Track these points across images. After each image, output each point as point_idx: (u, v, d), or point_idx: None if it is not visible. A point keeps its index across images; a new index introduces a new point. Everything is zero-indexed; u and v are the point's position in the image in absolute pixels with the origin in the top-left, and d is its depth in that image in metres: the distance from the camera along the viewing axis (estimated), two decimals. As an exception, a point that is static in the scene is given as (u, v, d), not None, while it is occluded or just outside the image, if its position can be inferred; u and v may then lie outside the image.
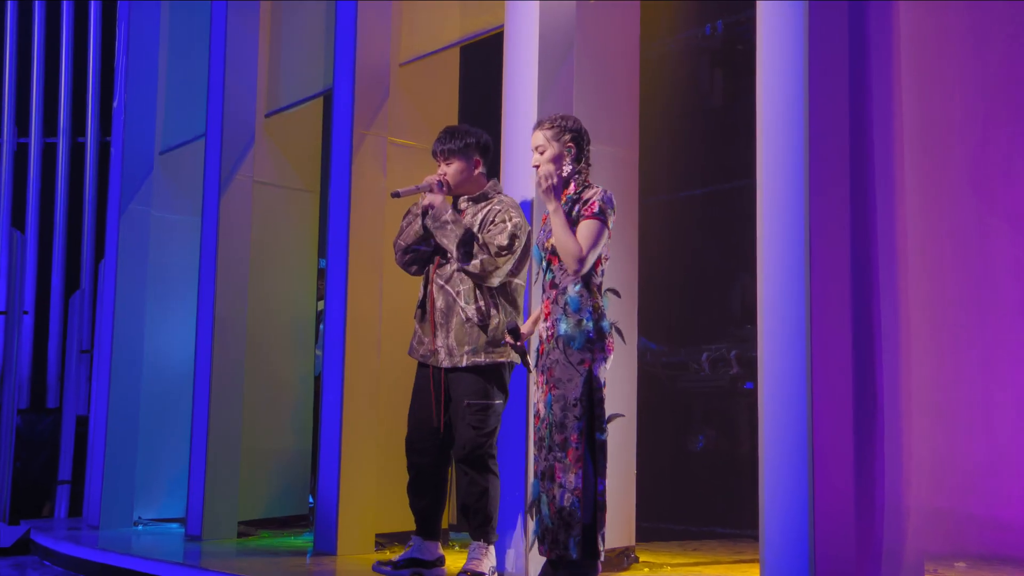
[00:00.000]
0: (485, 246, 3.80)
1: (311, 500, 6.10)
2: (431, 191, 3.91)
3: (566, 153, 3.47)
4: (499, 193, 4.02)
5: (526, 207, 4.09)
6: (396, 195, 3.91)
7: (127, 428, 6.50)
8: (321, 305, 6.13)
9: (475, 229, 3.88)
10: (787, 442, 3.25)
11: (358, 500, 4.86)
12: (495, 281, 3.85)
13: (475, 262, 3.80)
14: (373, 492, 4.92)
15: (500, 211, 3.90)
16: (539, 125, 3.53)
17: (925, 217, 3.38)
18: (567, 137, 3.48)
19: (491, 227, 3.86)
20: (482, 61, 5.62)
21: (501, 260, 3.80)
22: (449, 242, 3.84)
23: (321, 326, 6.04)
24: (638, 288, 4.39)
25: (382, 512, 4.98)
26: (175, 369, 6.49)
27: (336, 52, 5.18)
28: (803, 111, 3.32)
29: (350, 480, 4.84)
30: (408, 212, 4.03)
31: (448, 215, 3.86)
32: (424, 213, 3.92)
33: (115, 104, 7.10)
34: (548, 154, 3.47)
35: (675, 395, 5.81)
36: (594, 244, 3.35)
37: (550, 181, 3.36)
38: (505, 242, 3.80)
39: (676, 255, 5.84)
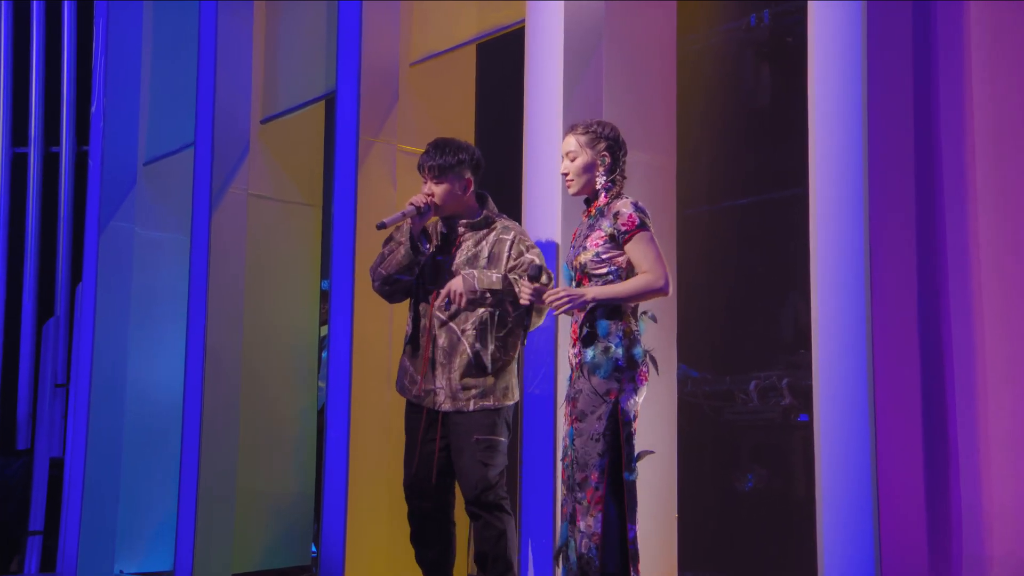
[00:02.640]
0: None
1: (314, 550, 6.12)
2: (419, 214, 3.89)
3: (599, 163, 3.50)
4: (499, 217, 4.03)
5: (552, 219, 4.13)
6: (382, 226, 3.88)
7: (107, 471, 6.54)
8: (324, 331, 6.16)
9: (482, 260, 3.90)
10: (848, 482, 3.25)
11: (367, 550, 4.87)
12: (543, 319, 3.96)
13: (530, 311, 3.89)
14: (384, 541, 4.93)
15: (511, 242, 3.92)
16: (572, 129, 3.56)
17: (1000, 229, 3.38)
18: (602, 145, 3.50)
19: (514, 263, 3.89)
20: (501, 60, 5.66)
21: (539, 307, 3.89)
22: (508, 306, 3.87)
23: (324, 354, 6.07)
24: (677, 310, 4.40)
25: (393, 563, 5.00)
26: (162, 404, 6.53)
27: (339, 51, 5.24)
28: (861, 110, 3.34)
29: (357, 528, 4.86)
30: (390, 239, 4.01)
31: (482, 287, 3.80)
32: (410, 240, 3.89)
33: (93, 109, 7.18)
34: (579, 162, 3.50)
35: (720, 429, 5.80)
36: (657, 255, 3.38)
37: (571, 304, 3.37)
38: (545, 280, 3.84)
39: (719, 273, 5.84)
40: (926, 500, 3.14)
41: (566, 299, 3.36)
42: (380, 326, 5.03)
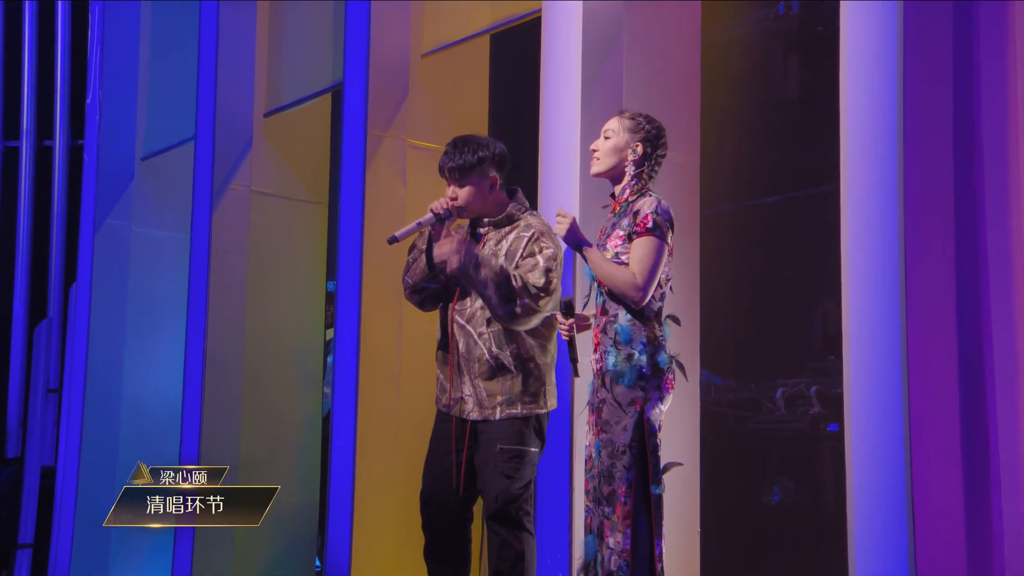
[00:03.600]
0: (524, 287, 3.75)
1: (318, 564, 6.13)
2: (439, 221, 3.83)
3: (631, 151, 3.52)
4: (525, 212, 3.95)
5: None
6: (394, 240, 3.80)
7: (102, 480, 6.56)
8: (330, 334, 6.18)
9: (500, 258, 3.85)
10: (881, 496, 3.24)
11: (374, 565, 4.88)
12: (532, 324, 3.83)
13: (515, 309, 3.74)
14: (391, 555, 4.94)
15: (528, 240, 3.84)
16: (620, 113, 3.61)
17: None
18: (640, 135, 3.53)
19: (521, 262, 3.82)
20: (516, 52, 5.67)
21: (541, 303, 3.76)
22: (487, 291, 3.76)
23: (330, 359, 6.09)
24: (700, 314, 4.40)
25: (401, 578, 5.02)
26: (159, 411, 6.55)
27: (347, 41, 5.25)
28: (896, 103, 3.34)
29: (364, 540, 4.86)
30: (413, 247, 3.95)
31: (472, 265, 3.76)
32: (428, 249, 3.85)
33: (88, 101, 7.21)
34: (612, 142, 3.53)
35: (745, 439, 5.79)
36: (653, 266, 3.36)
37: (563, 225, 3.41)
38: (541, 282, 3.73)
39: (744, 274, 5.84)
40: (965, 516, 3.13)
41: (566, 222, 3.41)
42: (389, 329, 5.03)
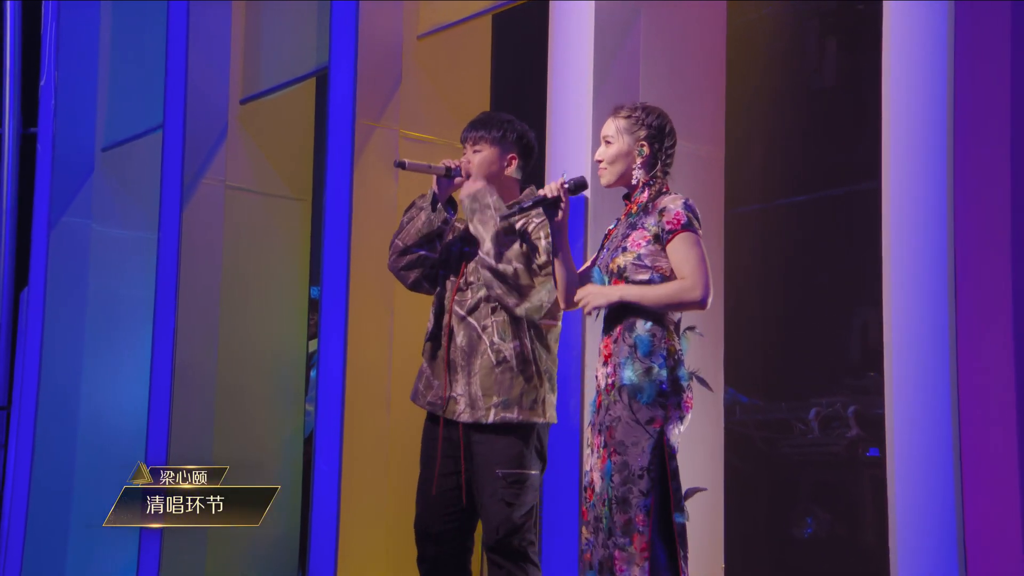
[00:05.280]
0: (525, 258, 3.81)
1: (298, 601, 6.14)
2: (448, 175, 3.94)
3: (636, 153, 3.51)
4: None
5: (579, 214, 4.14)
6: (401, 165, 3.96)
7: (56, 507, 6.56)
8: (313, 346, 6.18)
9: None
10: (928, 529, 3.24)
11: (361, 601, 4.89)
12: (525, 307, 3.84)
13: (506, 267, 3.81)
14: (380, 590, 4.95)
15: (537, 224, 3.93)
16: (614, 112, 3.58)
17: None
18: (642, 134, 3.51)
19: (527, 245, 3.88)
20: (521, 33, 5.68)
21: (539, 280, 3.81)
22: (485, 230, 3.83)
23: (313, 373, 6.09)
24: (724, 324, 4.41)
25: (392, 617, 5.02)
26: (121, 431, 6.55)
27: (333, 20, 5.26)
28: (946, 91, 3.34)
29: (350, 573, 4.86)
30: (412, 205, 4.05)
31: (492, 199, 3.88)
32: (434, 203, 3.93)
33: (42, 83, 7.20)
34: (613, 149, 3.51)
35: (774, 464, 5.80)
36: (701, 260, 3.38)
37: (594, 304, 3.42)
38: (543, 259, 3.83)
39: (774, 281, 5.85)
40: None
41: (591, 297, 3.39)
42: (378, 341, 5.04)
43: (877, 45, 3.57)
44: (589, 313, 3.46)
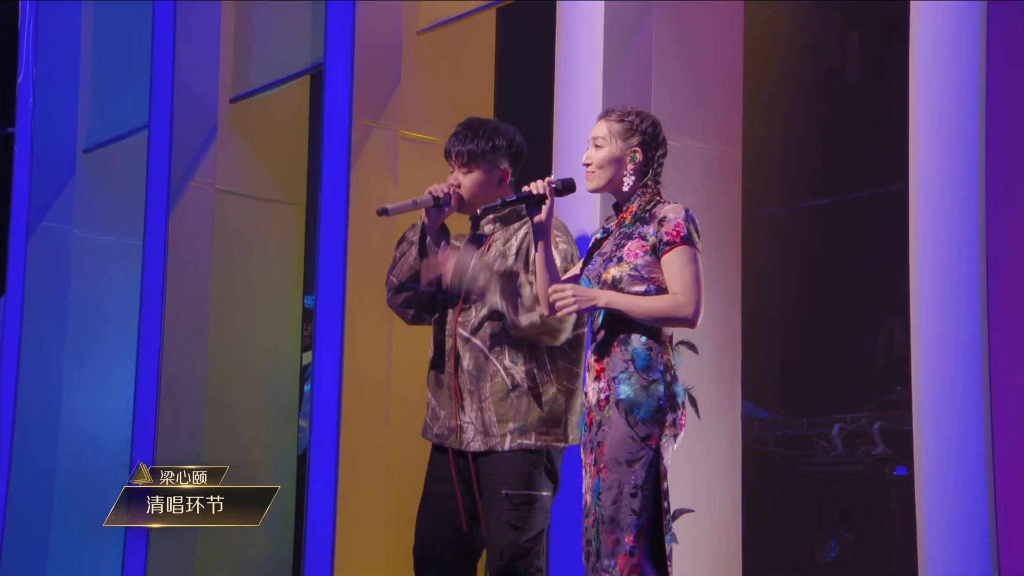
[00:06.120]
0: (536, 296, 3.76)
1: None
2: (437, 206, 3.86)
3: (628, 159, 3.52)
4: None
5: (588, 215, 4.13)
6: (383, 212, 3.87)
7: (34, 527, 6.56)
8: (308, 358, 6.18)
9: (510, 259, 3.86)
10: (959, 553, 3.24)
11: (357, 629, 4.89)
12: (561, 339, 3.83)
13: (532, 317, 3.75)
14: (378, 618, 4.95)
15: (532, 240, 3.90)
16: (606, 114, 3.58)
17: None
18: (635, 140, 3.52)
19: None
20: (526, 28, 5.69)
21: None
22: (500, 297, 3.79)
23: (307, 387, 6.09)
24: (742, 334, 4.40)
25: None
26: (105, 446, 6.55)
27: (328, 15, 5.26)
28: (978, 88, 3.34)
29: (346, 601, 4.87)
30: (403, 239, 4.00)
31: (475, 268, 3.78)
32: (421, 240, 3.89)
33: (20, 80, 7.21)
34: (604, 153, 3.52)
35: (795, 483, 5.79)
36: (697, 277, 3.38)
37: (578, 307, 3.40)
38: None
39: (794, 289, 5.85)
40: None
41: (572, 298, 3.37)
42: (376, 353, 5.04)
43: (902, 39, 3.57)
44: (566, 315, 3.44)
